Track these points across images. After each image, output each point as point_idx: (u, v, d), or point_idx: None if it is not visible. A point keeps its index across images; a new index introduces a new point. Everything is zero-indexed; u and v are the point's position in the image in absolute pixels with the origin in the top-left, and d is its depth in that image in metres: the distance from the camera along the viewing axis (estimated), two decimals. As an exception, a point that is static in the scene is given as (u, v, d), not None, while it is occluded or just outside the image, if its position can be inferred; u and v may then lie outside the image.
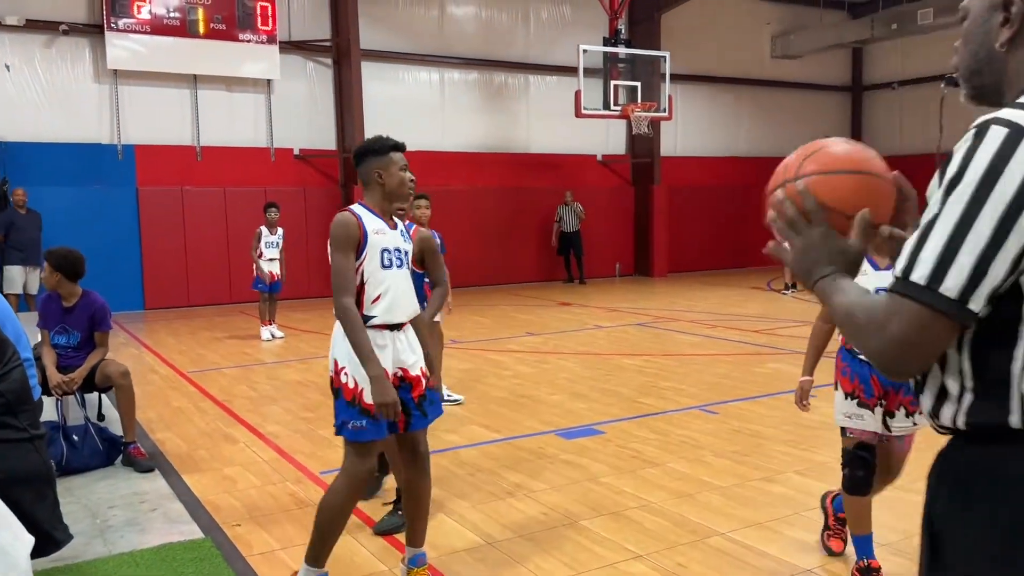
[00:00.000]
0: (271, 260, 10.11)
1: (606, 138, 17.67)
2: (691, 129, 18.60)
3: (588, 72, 14.03)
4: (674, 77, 15.89)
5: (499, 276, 15.99)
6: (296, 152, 14.52)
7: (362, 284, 3.16)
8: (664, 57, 14.73)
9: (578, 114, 13.92)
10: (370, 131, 14.58)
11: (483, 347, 9.28)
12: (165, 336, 10.54)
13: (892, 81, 20.14)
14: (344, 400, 3.12)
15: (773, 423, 5.78)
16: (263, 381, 7.69)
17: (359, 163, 3.29)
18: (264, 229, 10.13)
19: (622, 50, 14.39)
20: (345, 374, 3.13)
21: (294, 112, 14.47)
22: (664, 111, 14.77)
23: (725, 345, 9.14)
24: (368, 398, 3.06)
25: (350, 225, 3.14)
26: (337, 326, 3.13)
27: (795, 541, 3.76)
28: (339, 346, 3.15)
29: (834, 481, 4.52)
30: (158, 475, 4.89)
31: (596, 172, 17.65)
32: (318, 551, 3.17)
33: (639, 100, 14.39)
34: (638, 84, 14.47)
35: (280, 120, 14.33)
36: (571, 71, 14.29)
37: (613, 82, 14.22)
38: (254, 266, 10.07)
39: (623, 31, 14.70)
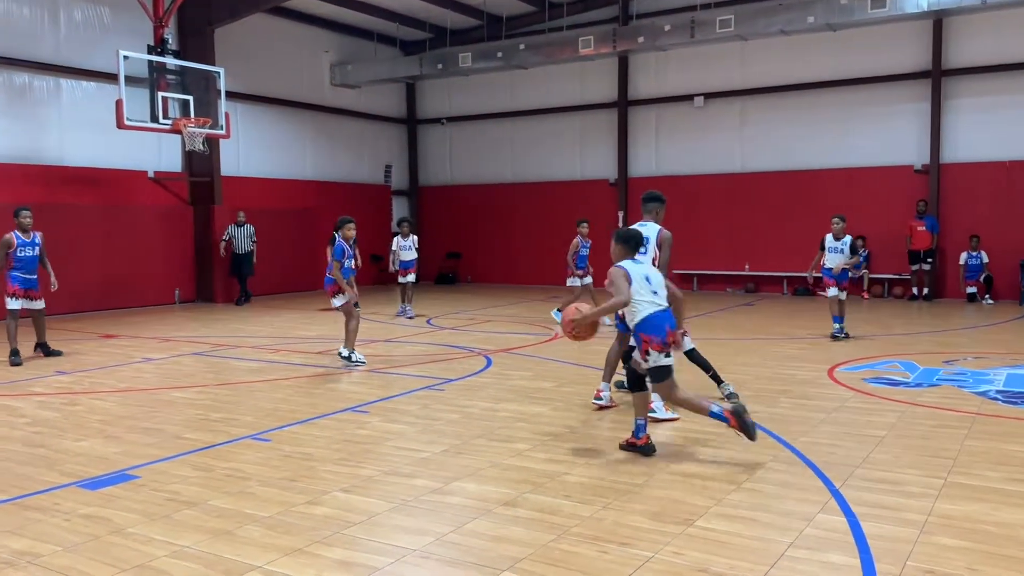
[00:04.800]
0: None
1: (159, 154, 16.34)
2: (254, 149, 18.16)
3: (132, 81, 12.79)
4: (232, 95, 15.34)
5: (27, 308, 13.69)
6: None
7: None
8: (218, 73, 14.11)
9: (120, 125, 12.59)
10: None
11: (-5, 393, 7.79)
12: None
13: (440, 116, 22.09)
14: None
15: (324, 443, 5.76)
16: None
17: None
18: None
19: (170, 60, 13.40)
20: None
21: None
22: (221, 128, 14.14)
23: (287, 369, 8.97)
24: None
25: None
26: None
27: (333, 562, 3.73)
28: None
29: (378, 493, 4.66)
30: None
31: (148, 190, 16.19)
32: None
33: (192, 115, 13.54)
34: (190, 98, 13.59)
35: None
36: (112, 78, 12.89)
37: (161, 94, 13.16)
38: None
39: (171, 41, 13.72)
